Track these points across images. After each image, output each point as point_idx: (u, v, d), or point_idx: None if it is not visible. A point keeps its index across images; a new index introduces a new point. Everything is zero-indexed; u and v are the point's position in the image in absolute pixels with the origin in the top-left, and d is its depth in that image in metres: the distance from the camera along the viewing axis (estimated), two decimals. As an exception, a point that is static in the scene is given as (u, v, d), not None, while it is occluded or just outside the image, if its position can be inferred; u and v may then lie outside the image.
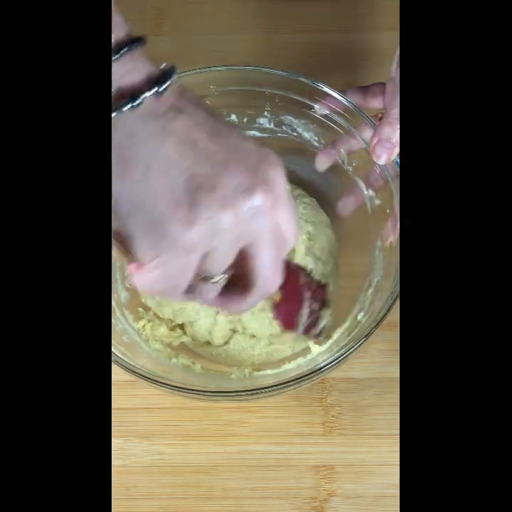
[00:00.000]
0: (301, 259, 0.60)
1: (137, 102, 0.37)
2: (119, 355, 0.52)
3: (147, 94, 0.37)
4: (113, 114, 0.37)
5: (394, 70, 0.58)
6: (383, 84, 0.60)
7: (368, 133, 0.58)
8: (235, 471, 0.58)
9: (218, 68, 0.61)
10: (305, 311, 0.57)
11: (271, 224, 0.40)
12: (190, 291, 0.41)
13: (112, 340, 0.53)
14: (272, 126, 0.65)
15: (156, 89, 0.38)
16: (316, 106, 0.61)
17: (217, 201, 0.37)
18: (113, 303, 0.59)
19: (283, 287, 0.46)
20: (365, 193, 0.62)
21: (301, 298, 0.57)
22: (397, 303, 0.52)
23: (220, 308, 0.45)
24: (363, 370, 0.61)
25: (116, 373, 0.50)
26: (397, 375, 0.60)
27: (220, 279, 0.41)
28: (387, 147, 0.55)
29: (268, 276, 0.41)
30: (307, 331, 0.57)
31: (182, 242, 0.37)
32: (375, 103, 0.60)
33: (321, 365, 0.51)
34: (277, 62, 0.65)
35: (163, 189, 0.37)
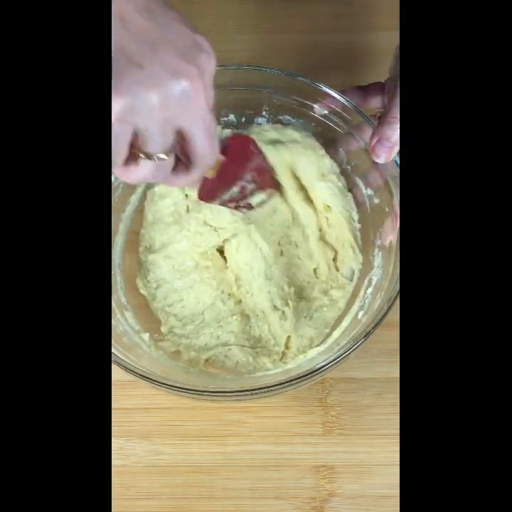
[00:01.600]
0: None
1: None
2: (120, 356, 0.52)
3: None
4: None
5: (393, 69, 0.58)
6: (382, 83, 0.60)
7: (367, 133, 0.58)
8: (235, 471, 0.58)
9: (217, 68, 0.60)
10: (234, 189, 0.57)
11: (200, 108, 0.41)
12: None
13: (113, 341, 0.53)
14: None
15: None
16: (315, 106, 0.61)
17: (144, 79, 0.38)
18: (113, 304, 0.59)
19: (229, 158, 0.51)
20: (365, 192, 0.62)
21: (235, 176, 0.57)
22: (397, 302, 0.52)
23: (168, 183, 0.46)
24: (363, 370, 0.61)
25: (117, 373, 0.50)
26: (397, 375, 0.60)
27: (164, 158, 0.42)
28: (386, 146, 0.55)
29: (204, 155, 0.43)
30: (228, 202, 0.58)
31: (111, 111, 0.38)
32: (374, 103, 0.60)
33: (321, 364, 0.51)
34: (277, 62, 0.65)
35: None
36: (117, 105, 0.38)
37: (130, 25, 0.39)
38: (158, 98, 0.38)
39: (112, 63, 0.38)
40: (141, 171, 0.42)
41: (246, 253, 0.61)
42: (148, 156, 0.42)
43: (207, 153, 0.43)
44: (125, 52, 0.38)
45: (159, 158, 0.42)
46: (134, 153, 0.42)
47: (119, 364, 0.51)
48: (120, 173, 0.43)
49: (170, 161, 0.43)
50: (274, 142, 0.63)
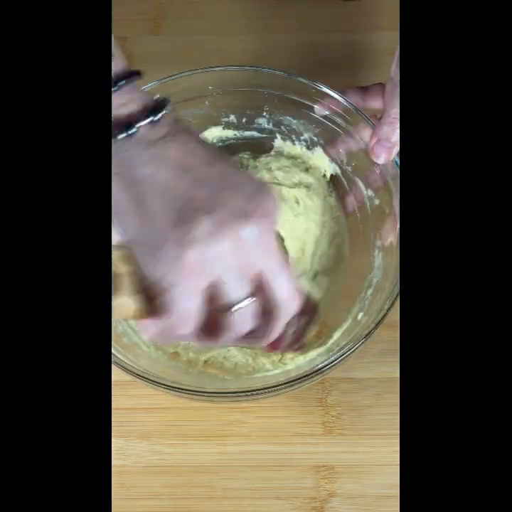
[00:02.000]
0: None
1: (132, 130, 0.39)
2: (119, 356, 0.52)
3: (143, 123, 0.40)
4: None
5: (393, 70, 0.58)
6: (383, 84, 0.60)
7: (367, 133, 0.58)
8: (235, 471, 0.58)
9: (217, 68, 0.61)
10: (291, 331, 0.54)
11: (273, 250, 0.40)
12: (216, 330, 0.41)
13: (112, 341, 0.53)
14: (270, 126, 0.65)
15: (151, 118, 0.40)
16: (315, 106, 0.61)
17: (215, 224, 0.38)
18: (113, 304, 0.59)
19: None
20: (365, 193, 0.62)
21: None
22: (397, 303, 0.52)
23: (248, 344, 0.45)
24: (363, 370, 0.61)
25: (117, 373, 0.50)
26: (397, 375, 0.60)
27: (243, 305, 0.41)
28: (386, 147, 0.55)
29: (286, 300, 0.42)
30: (289, 348, 0.55)
31: (182, 262, 0.38)
32: (375, 103, 0.60)
33: (321, 365, 0.51)
34: (277, 62, 0.65)
35: (160, 212, 0.38)
36: (194, 256, 0.37)
37: (196, 175, 0.39)
38: (230, 243, 0.38)
39: (179, 216, 0.38)
40: (237, 328, 0.41)
41: None
42: (227, 309, 0.40)
43: (290, 297, 0.42)
44: (191, 202, 0.38)
45: (236, 308, 0.40)
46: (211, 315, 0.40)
47: (118, 364, 0.51)
48: (200, 340, 0.42)
49: (250, 308, 0.41)
50: None
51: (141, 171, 0.39)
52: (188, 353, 0.59)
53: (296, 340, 0.54)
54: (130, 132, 0.39)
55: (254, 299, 0.41)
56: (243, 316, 0.41)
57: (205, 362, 0.59)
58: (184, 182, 0.39)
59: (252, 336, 0.44)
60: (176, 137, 0.40)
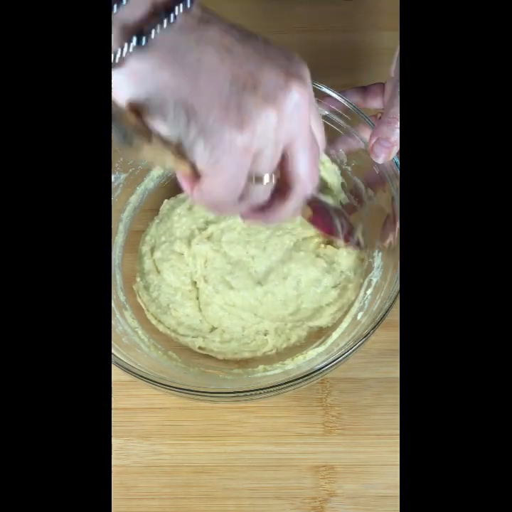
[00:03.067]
0: None
1: (172, 16, 0.39)
2: (119, 356, 0.52)
3: (178, 8, 0.39)
4: (156, 31, 0.39)
5: (393, 69, 0.58)
6: (383, 84, 0.60)
7: (367, 133, 0.58)
8: (235, 471, 0.58)
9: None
10: (337, 222, 0.60)
11: (307, 121, 0.41)
12: (241, 198, 0.42)
13: (112, 341, 0.53)
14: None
15: (184, 2, 0.39)
16: (315, 106, 0.61)
17: (262, 99, 0.39)
18: (112, 304, 0.59)
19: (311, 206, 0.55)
20: (365, 192, 0.62)
21: (329, 213, 0.60)
22: (397, 303, 0.52)
23: (263, 220, 0.46)
24: (362, 370, 0.61)
25: (117, 373, 0.50)
26: (397, 375, 0.60)
27: (269, 181, 0.42)
28: (385, 146, 0.55)
29: (306, 176, 0.43)
30: (347, 239, 0.61)
31: (237, 144, 0.39)
32: (375, 103, 0.60)
33: (321, 365, 0.51)
34: (277, 63, 0.65)
35: (212, 96, 0.39)
36: (249, 135, 0.38)
37: (236, 54, 0.40)
38: (276, 115, 0.39)
39: (230, 97, 0.39)
40: (255, 199, 0.42)
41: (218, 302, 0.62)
42: (257, 180, 0.41)
43: (308, 174, 0.42)
44: (238, 79, 0.39)
45: (265, 183, 0.41)
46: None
47: (118, 364, 0.51)
48: (233, 209, 0.43)
49: (271, 184, 0.42)
50: None
51: (190, 56, 0.39)
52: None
53: (350, 233, 0.61)
54: (170, 20, 0.39)
55: (274, 177, 0.42)
56: (264, 186, 0.42)
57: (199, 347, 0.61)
58: (227, 62, 0.39)
59: (266, 209, 0.45)
60: (210, 20, 0.40)
